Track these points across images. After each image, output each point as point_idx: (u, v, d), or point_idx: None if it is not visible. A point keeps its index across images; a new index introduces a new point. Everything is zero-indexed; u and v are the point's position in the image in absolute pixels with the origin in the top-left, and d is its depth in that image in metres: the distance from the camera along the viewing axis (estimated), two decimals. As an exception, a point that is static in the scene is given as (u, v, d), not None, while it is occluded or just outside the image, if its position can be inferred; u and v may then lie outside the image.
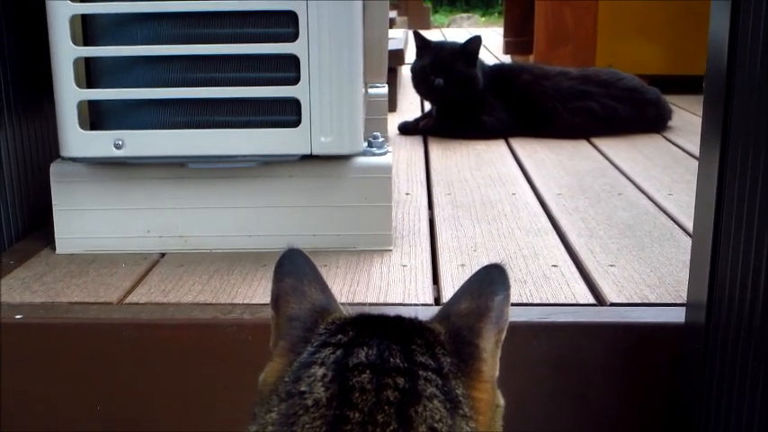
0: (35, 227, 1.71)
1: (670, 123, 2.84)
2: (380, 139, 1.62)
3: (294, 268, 0.71)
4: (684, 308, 1.22)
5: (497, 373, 0.67)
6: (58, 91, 1.48)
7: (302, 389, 0.59)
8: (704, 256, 1.11)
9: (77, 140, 1.50)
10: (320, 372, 0.60)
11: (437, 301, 1.37)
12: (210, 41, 1.48)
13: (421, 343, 0.63)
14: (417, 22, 7.56)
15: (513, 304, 1.29)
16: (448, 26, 10.91)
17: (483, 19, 11.81)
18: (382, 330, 0.63)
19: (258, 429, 0.59)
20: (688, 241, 1.23)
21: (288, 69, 1.49)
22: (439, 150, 2.56)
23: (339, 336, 0.63)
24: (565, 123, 2.70)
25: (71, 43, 1.46)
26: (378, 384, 0.58)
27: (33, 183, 1.71)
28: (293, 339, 0.66)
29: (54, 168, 1.57)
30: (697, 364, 1.13)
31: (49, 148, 1.73)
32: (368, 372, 0.59)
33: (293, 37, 1.46)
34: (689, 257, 1.20)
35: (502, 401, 0.67)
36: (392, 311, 0.70)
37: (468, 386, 0.63)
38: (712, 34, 1.08)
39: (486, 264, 0.71)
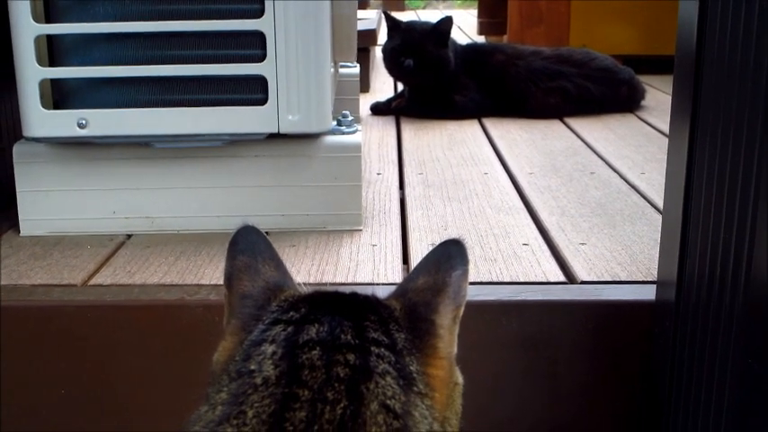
0: (0, 209, 1.67)
1: (643, 103, 2.84)
2: (350, 118, 1.60)
3: (248, 246, 0.69)
4: (655, 285, 1.22)
5: (455, 350, 0.66)
6: (19, 69, 1.45)
7: (252, 367, 0.58)
8: (674, 233, 1.10)
9: (40, 120, 1.47)
10: (270, 349, 0.58)
11: (407, 280, 1.35)
12: (175, 18, 1.44)
13: (374, 319, 0.62)
14: (392, 4, 7.50)
15: (483, 283, 1.31)
16: (424, 8, 10.86)
17: (459, 2, 11.77)
18: (335, 307, 0.62)
19: (208, 410, 0.57)
20: (660, 219, 1.22)
21: (254, 46, 1.46)
22: (411, 131, 2.54)
23: (291, 313, 0.62)
24: (538, 103, 2.69)
25: (32, 20, 1.42)
26: (328, 361, 0.57)
27: (-2, 164, 1.68)
28: (245, 317, 0.64)
29: (17, 149, 1.54)
30: (668, 341, 1.13)
31: (14, 128, 1.70)
32: (318, 348, 0.57)
33: (259, 13, 1.44)
34: (660, 235, 1.19)
35: (460, 379, 0.65)
36: (361, 291, 0.68)
37: (423, 363, 0.61)
38: (682, 14, 1.07)
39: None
